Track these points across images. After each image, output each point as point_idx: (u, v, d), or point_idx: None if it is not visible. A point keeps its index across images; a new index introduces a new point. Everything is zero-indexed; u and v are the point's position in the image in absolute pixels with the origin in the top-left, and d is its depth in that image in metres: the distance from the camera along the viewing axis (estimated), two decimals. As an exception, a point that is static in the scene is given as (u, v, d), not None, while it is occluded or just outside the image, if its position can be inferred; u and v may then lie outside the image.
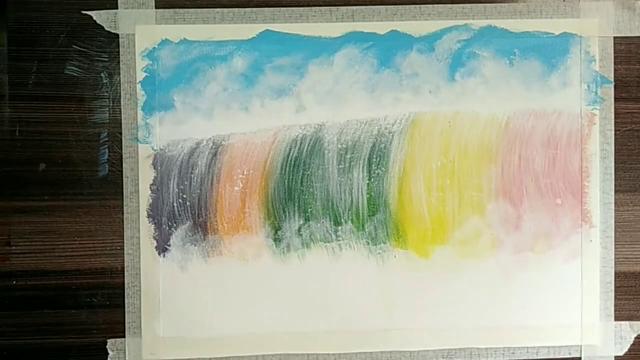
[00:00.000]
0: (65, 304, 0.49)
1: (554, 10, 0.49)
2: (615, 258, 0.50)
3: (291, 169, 0.49)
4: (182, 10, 0.48)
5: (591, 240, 0.49)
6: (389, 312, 0.49)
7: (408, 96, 0.49)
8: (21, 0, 0.48)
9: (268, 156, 0.49)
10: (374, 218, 0.49)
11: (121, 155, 0.48)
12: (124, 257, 0.48)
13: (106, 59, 0.48)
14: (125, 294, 0.48)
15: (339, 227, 0.49)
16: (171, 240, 0.48)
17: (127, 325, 0.49)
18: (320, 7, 0.49)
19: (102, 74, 0.48)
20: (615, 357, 0.50)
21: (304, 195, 0.49)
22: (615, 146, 0.50)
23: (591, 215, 0.49)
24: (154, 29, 0.48)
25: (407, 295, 0.49)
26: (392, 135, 0.49)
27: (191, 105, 0.48)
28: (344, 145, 0.49)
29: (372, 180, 0.49)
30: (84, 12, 0.48)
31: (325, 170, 0.49)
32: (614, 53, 0.49)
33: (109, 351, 0.49)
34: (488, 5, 0.49)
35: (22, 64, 0.48)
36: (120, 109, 0.48)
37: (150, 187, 0.48)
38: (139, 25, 0.48)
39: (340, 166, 0.49)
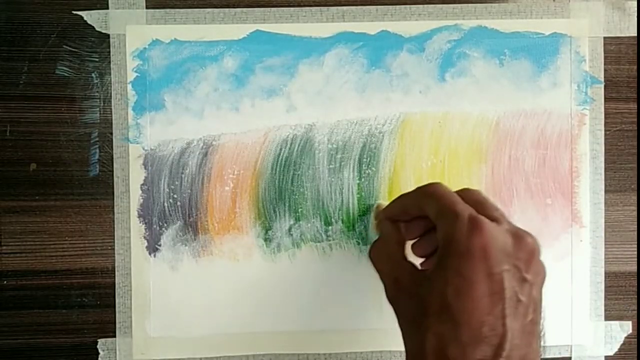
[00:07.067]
0: (56, 304, 0.49)
1: (544, 11, 0.49)
2: (605, 258, 0.50)
3: (282, 169, 0.49)
4: (172, 11, 0.48)
5: (581, 240, 0.49)
6: (379, 312, 0.49)
7: (398, 96, 0.49)
8: (12, 0, 0.48)
9: (259, 156, 0.49)
10: (365, 218, 0.49)
11: (112, 155, 0.48)
12: (114, 257, 0.48)
13: (97, 59, 0.48)
14: (116, 293, 0.49)
15: (330, 227, 0.49)
16: (162, 240, 0.48)
17: (117, 325, 0.49)
18: (311, 8, 0.49)
19: (93, 74, 0.48)
20: (606, 357, 0.50)
21: (295, 195, 0.49)
22: (605, 146, 0.50)
23: (581, 215, 0.49)
24: (145, 29, 0.48)
25: (398, 295, 0.49)
26: (383, 136, 0.49)
27: (182, 106, 0.48)
28: (334, 146, 0.49)
29: (363, 180, 0.49)
30: (74, 12, 0.48)
31: (315, 170, 0.49)
32: (604, 53, 0.49)
33: (100, 351, 0.49)
34: (478, 5, 0.49)
35: (12, 64, 0.48)
36: (111, 109, 0.48)
37: (141, 187, 0.48)
38: (130, 25, 0.48)
39: (331, 166, 0.49)
